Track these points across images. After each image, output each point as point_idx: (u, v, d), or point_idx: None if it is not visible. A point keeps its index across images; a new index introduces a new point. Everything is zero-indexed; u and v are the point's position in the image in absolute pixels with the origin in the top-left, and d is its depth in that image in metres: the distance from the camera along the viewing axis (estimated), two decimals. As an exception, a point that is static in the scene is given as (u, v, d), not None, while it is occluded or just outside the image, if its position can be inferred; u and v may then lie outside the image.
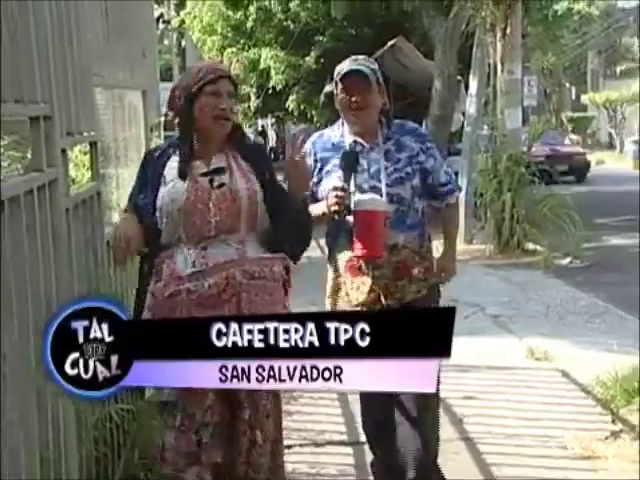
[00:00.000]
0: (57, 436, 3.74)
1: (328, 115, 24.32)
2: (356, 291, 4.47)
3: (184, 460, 3.92)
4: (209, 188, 3.95)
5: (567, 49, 47.42)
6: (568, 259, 14.42)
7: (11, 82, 3.44)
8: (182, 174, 3.97)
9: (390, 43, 21.93)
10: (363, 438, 4.69)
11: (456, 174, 17.35)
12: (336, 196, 4.32)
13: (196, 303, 3.82)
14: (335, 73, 4.57)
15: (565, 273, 13.47)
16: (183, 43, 35.52)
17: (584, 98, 49.10)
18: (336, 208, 4.34)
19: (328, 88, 26.19)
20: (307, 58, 27.71)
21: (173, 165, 4.05)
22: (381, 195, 4.42)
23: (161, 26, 35.58)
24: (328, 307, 4.69)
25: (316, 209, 4.45)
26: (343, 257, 4.55)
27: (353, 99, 4.45)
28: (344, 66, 4.52)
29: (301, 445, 5.50)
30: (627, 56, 49.65)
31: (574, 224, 15.05)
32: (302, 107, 29.74)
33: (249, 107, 33.19)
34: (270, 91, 30.03)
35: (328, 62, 26.63)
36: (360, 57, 4.61)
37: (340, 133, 4.67)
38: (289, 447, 5.32)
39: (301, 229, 4.21)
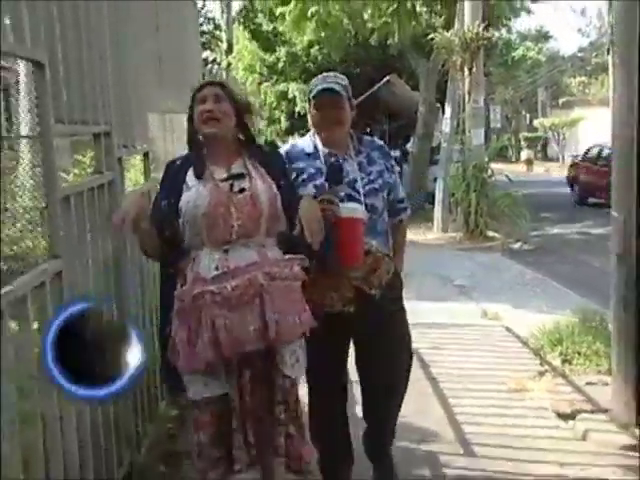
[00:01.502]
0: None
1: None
2: (333, 291, 3.80)
3: (216, 457, 3.37)
4: (230, 193, 3.37)
5: (522, 85, 48.21)
6: (519, 244, 14.48)
7: (79, 107, 3.49)
8: (199, 176, 3.41)
9: (385, 78, 22.11)
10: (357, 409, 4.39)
11: (435, 179, 17.51)
12: (323, 209, 3.56)
13: (219, 305, 3.21)
14: (308, 91, 3.98)
15: (516, 255, 13.48)
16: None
17: (536, 122, 49.38)
18: (324, 219, 3.55)
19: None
20: (324, 90, 27.90)
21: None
22: (360, 204, 3.77)
23: (215, 67, 35.59)
24: None
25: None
26: (320, 264, 3.70)
27: (327, 116, 3.84)
28: (316, 84, 3.89)
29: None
30: (566, 92, 50.35)
31: (524, 217, 15.22)
32: (320, 128, 29.76)
33: (280, 127, 33.27)
34: (296, 115, 30.16)
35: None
36: (330, 74, 3.96)
37: (313, 144, 3.92)
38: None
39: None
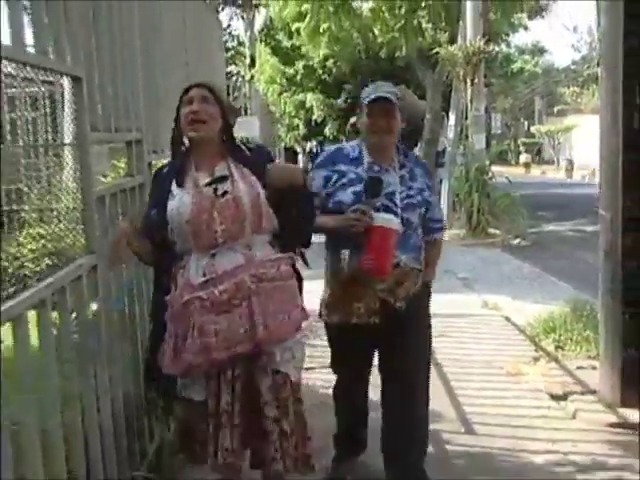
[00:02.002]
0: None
1: (354, 138, 24.74)
2: (357, 302, 3.57)
3: (212, 451, 3.14)
4: (213, 197, 3.09)
5: (520, 95, 48.31)
6: (517, 240, 14.33)
7: (113, 117, 3.51)
8: (180, 182, 3.15)
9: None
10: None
11: (441, 181, 17.46)
12: (356, 219, 3.44)
13: (208, 310, 2.99)
14: (362, 97, 3.67)
15: (515, 250, 13.35)
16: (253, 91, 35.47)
17: (533, 129, 49.30)
18: (355, 230, 3.44)
19: (352, 120, 26.52)
20: (338, 100, 28.00)
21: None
22: (396, 216, 3.50)
23: (239, 80, 35.66)
24: (324, 316, 3.77)
25: (325, 221, 3.57)
26: (346, 269, 3.56)
27: (379, 123, 3.56)
28: (370, 92, 3.60)
29: (319, 368, 5.44)
30: (561, 101, 50.28)
31: (522, 216, 15.19)
32: (335, 134, 29.85)
33: (299, 134, 33.36)
34: (313, 123, 30.28)
35: (353, 103, 27.02)
36: (383, 84, 3.70)
37: (359, 150, 3.66)
38: (312, 369, 5.41)
39: (308, 219, 3.42)
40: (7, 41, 2.45)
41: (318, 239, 3.61)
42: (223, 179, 3.14)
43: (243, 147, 3.32)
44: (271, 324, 3.06)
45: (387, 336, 3.66)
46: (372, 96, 3.56)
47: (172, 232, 3.13)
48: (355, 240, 3.47)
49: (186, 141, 3.27)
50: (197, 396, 3.17)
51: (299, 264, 3.38)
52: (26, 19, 2.63)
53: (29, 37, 2.69)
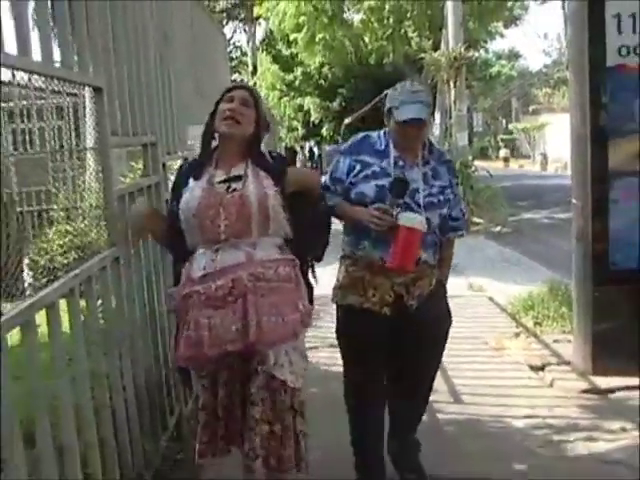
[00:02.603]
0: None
1: (349, 137, 24.86)
2: (373, 289, 3.24)
3: (210, 449, 2.91)
4: (223, 194, 2.84)
5: (498, 96, 48.55)
6: (499, 228, 14.30)
7: (131, 122, 3.53)
8: (197, 177, 2.92)
9: (384, 92, 21.96)
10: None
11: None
12: (380, 218, 3.08)
13: (205, 304, 2.76)
14: (391, 103, 3.21)
15: (497, 237, 13.33)
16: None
17: (510, 126, 49.68)
18: (377, 228, 3.10)
19: (346, 121, 26.62)
20: (334, 103, 28.07)
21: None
22: (418, 214, 3.13)
23: (242, 85, 35.48)
24: (337, 298, 3.39)
25: (348, 211, 3.26)
26: (368, 256, 3.24)
27: (409, 136, 3.18)
28: (403, 102, 3.13)
29: (322, 347, 5.45)
30: (535, 101, 50.60)
31: (503, 205, 15.22)
32: (331, 134, 29.88)
33: (297, 134, 33.41)
34: (311, 124, 30.31)
35: (347, 105, 27.14)
36: (417, 88, 3.20)
37: (385, 143, 3.26)
38: (315, 348, 5.43)
39: (321, 232, 3.11)
40: (38, 57, 2.47)
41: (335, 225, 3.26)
42: (237, 178, 2.89)
43: (266, 155, 3.01)
44: (265, 325, 2.75)
45: (398, 334, 3.32)
46: (403, 117, 3.13)
47: (182, 225, 2.90)
48: (378, 233, 3.13)
49: (216, 137, 3.00)
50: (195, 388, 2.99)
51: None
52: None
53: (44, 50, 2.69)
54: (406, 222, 3.06)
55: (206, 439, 2.90)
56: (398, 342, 3.36)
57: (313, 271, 3.13)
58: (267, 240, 2.87)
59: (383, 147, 3.27)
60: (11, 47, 2.24)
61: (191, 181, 2.94)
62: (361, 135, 3.40)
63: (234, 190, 2.85)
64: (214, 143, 3.03)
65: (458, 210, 3.40)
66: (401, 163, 3.22)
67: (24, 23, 2.37)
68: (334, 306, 3.46)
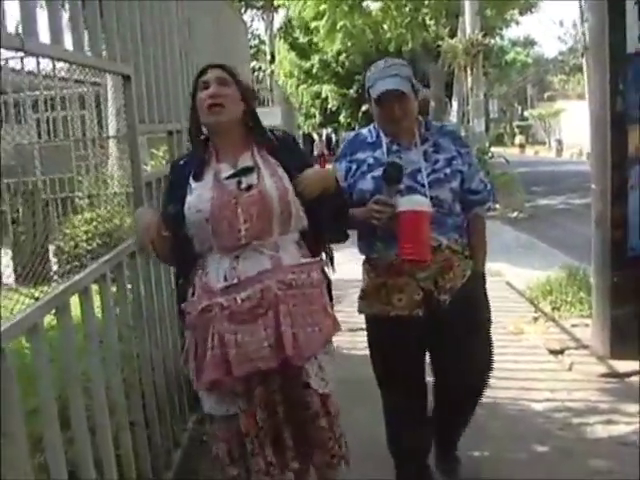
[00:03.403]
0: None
1: (366, 124, 24.99)
2: (398, 293, 2.89)
3: (232, 474, 2.57)
4: (237, 192, 2.43)
5: (514, 82, 48.30)
6: (515, 213, 14.23)
7: (157, 109, 3.54)
8: (197, 177, 2.49)
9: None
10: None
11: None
12: (378, 211, 2.76)
13: (229, 319, 2.37)
14: (368, 83, 2.91)
15: (514, 222, 13.23)
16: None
17: (526, 113, 49.41)
18: (376, 223, 2.77)
19: (364, 108, 26.65)
20: (351, 90, 28.07)
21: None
22: (423, 196, 2.80)
23: (261, 74, 35.59)
24: (363, 308, 3.05)
25: (352, 214, 2.85)
26: (383, 259, 2.92)
27: (392, 115, 2.84)
28: (376, 78, 2.84)
29: (343, 331, 5.45)
30: (550, 87, 50.30)
31: (519, 191, 15.10)
32: (348, 121, 29.88)
33: (315, 122, 33.43)
34: (328, 111, 30.31)
35: (364, 92, 27.00)
36: (392, 62, 2.91)
37: (376, 133, 2.98)
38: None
39: (342, 215, 2.75)
40: (69, 46, 2.49)
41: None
42: (248, 171, 2.48)
43: (270, 134, 2.62)
44: (301, 337, 2.41)
45: (435, 335, 2.99)
46: (379, 88, 2.82)
47: (189, 231, 2.48)
48: (386, 230, 2.81)
49: (205, 130, 2.60)
50: (228, 411, 2.53)
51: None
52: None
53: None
54: (404, 206, 2.73)
55: (259, 467, 2.51)
56: (437, 345, 3.05)
57: (332, 261, 2.74)
58: (286, 238, 2.52)
59: (374, 138, 3.00)
60: (44, 35, 2.26)
61: (192, 182, 2.50)
62: (351, 135, 3.19)
63: (249, 187, 2.44)
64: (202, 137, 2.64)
65: (477, 181, 3.01)
66: (395, 148, 2.92)
67: (56, 12, 2.39)
68: (351, 290, 3.29)
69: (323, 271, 2.62)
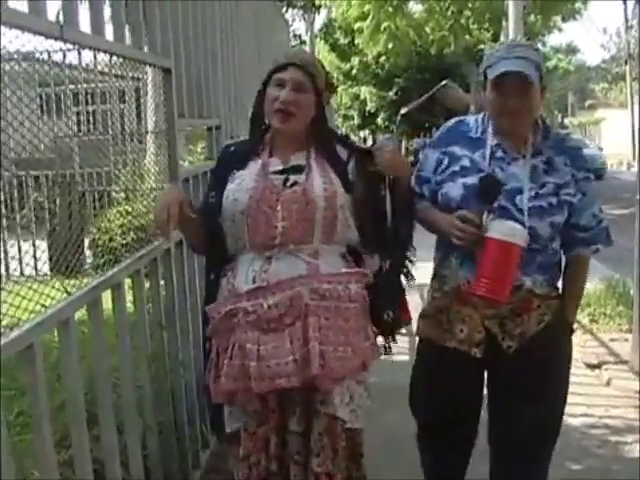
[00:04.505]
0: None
1: (403, 128, 25.00)
2: (461, 323, 2.42)
3: None
4: (280, 188, 2.21)
5: (555, 90, 48.10)
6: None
7: (197, 105, 3.52)
8: (243, 165, 2.30)
9: (442, 82, 21.81)
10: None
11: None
12: (461, 229, 2.27)
13: (252, 326, 2.13)
14: (484, 63, 2.37)
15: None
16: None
17: (566, 121, 49.11)
18: (458, 242, 2.29)
19: (402, 111, 26.55)
20: (389, 92, 28.08)
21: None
22: (518, 222, 2.27)
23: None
24: (420, 327, 2.59)
25: (432, 218, 2.46)
26: (453, 278, 2.44)
27: (509, 105, 2.28)
28: (499, 57, 2.30)
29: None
30: (591, 96, 49.92)
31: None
32: (386, 124, 29.86)
33: (353, 124, 33.49)
34: (366, 113, 30.34)
35: (403, 95, 27.08)
36: (522, 42, 2.39)
37: (483, 128, 2.43)
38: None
39: (401, 241, 2.38)
40: (110, 37, 2.46)
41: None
42: (297, 169, 2.27)
43: (334, 139, 2.40)
44: (330, 356, 2.13)
45: (491, 386, 2.57)
46: (502, 69, 2.26)
47: (225, 223, 2.28)
48: (467, 249, 2.34)
49: (267, 120, 2.34)
50: (231, 428, 2.33)
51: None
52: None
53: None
54: (497, 233, 2.23)
55: None
56: (491, 398, 2.59)
57: (408, 271, 2.43)
58: (330, 249, 2.27)
59: (479, 134, 2.45)
60: (85, 26, 2.23)
61: (236, 171, 2.31)
62: (453, 121, 2.58)
63: (294, 183, 2.23)
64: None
65: (589, 216, 2.44)
66: (500, 154, 2.39)
67: (98, 4, 2.36)
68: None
69: (367, 287, 2.29)
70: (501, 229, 2.23)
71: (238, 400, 2.22)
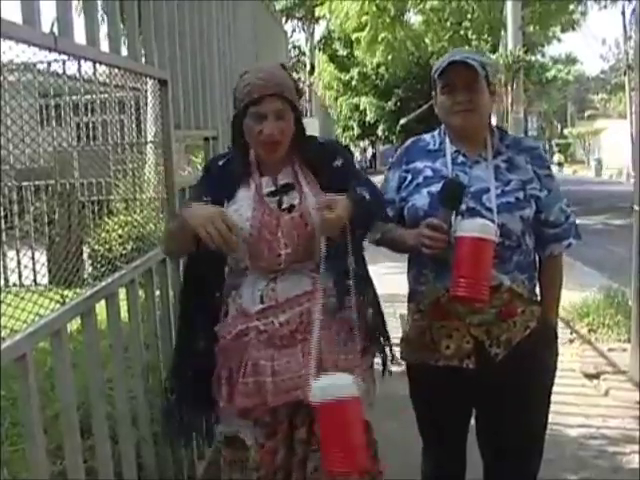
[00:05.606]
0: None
1: (404, 138, 25.09)
2: (446, 339, 2.38)
3: None
4: (277, 212, 2.21)
5: (555, 100, 48.10)
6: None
7: (193, 116, 3.52)
8: (234, 188, 2.26)
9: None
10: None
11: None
12: (429, 237, 2.22)
13: (265, 344, 2.19)
14: (433, 72, 2.39)
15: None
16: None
17: (566, 131, 49.18)
18: (429, 252, 2.23)
19: (402, 122, 26.61)
20: (389, 103, 28.13)
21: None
22: (486, 219, 2.26)
23: (300, 84, 35.80)
24: (406, 355, 2.54)
25: (397, 237, 2.43)
26: (430, 294, 2.39)
27: (458, 99, 2.30)
28: (444, 60, 2.33)
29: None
30: (591, 106, 50.07)
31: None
32: (386, 134, 29.91)
33: (353, 134, 33.51)
34: (366, 124, 30.37)
35: (402, 105, 27.17)
36: (462, 49, 2.28)
37: (440, 140, 2.47)
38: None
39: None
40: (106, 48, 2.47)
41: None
42: (288, 188, 2.27)
43: (312, 141, 2.37)
44: (341, 365, 2.19)
45: (482, 395, 2.48)
46: (444, 63, 2.31)
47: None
48: (439, 260, 2.29)
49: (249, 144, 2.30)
50: (249, 440, 2.29)
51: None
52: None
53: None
54: (467, 231, 2.18)
55: None
56: (482, 407, 2.56)
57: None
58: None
59: (437, 146, 2.47)
60: (80, 38, 2.23)
61: (234, 187, 2.28)
62: (410, 140, 2.61)
63: (291, 207, 2.23)
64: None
65: (558, 211, 2.44)
66: (461, 159, 2.40)
67: (93, 16, 2.37)
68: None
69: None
70: (471, 226, 2.19)
71: (252, 416, 2.24)
